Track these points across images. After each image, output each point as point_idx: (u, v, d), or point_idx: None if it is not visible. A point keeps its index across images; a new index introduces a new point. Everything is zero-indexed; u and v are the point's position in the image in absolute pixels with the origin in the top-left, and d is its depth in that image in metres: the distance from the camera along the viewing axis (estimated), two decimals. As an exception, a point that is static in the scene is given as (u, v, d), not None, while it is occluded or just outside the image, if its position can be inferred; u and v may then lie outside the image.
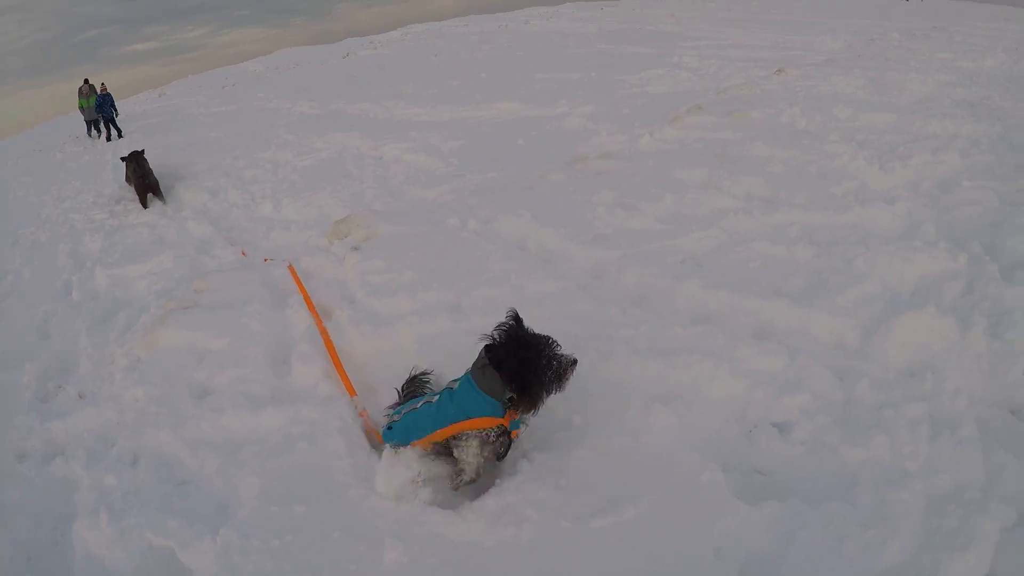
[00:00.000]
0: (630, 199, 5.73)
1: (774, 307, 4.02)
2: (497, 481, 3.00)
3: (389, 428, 3.18)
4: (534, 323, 2.86)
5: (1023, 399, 3.18)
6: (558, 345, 2.81)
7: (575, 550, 2.56)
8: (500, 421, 2.86)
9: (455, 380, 3.02)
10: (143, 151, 9.92)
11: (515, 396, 2.82)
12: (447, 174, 7.17)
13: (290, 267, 5.29)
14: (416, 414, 3.06)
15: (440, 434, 2.96)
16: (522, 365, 2.75)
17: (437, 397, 3.02)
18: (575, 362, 2.82)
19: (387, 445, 3.14)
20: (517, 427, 2.96)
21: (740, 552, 2.52)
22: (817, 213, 5.35)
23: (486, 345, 2.82)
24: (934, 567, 2.31)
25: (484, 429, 2.88)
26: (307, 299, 4.69)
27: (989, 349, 3.39)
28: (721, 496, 2.70)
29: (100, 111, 18.31)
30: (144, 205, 9.60)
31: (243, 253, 6.61)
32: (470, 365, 2.91)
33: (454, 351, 3.58)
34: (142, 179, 9.56)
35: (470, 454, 2.95)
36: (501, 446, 2.99)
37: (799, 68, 11.53)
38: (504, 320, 2.86)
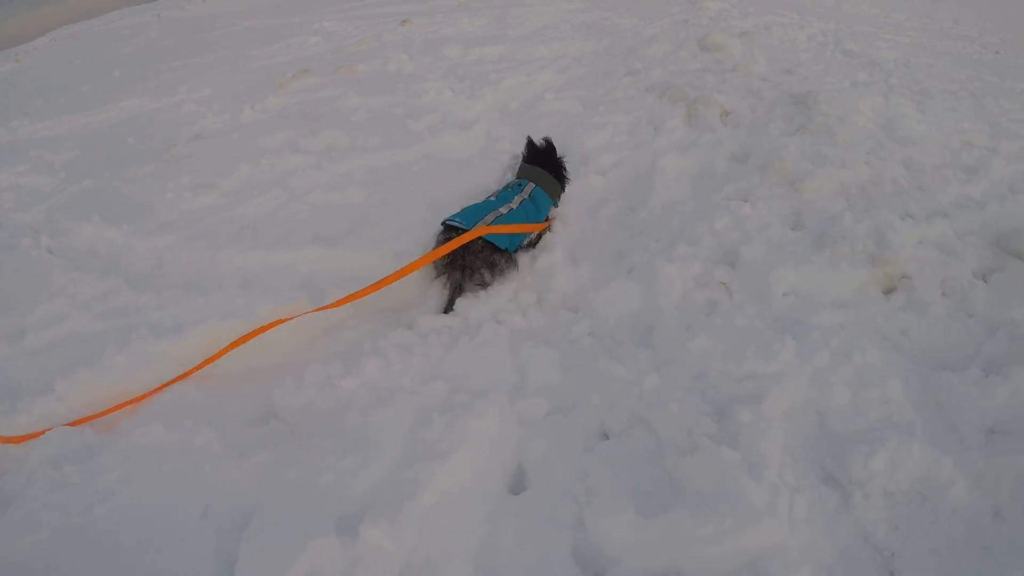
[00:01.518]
0: (206, 178, 5.48)
1: (308, 255, 4.07)
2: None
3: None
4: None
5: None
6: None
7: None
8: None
9: (514, 185, 4.04)
10: None
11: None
12: (52, 190, 6.70)
13: None
14: (493, 207, 3.78)
15: (524, 228, 3.80)
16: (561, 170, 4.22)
17: (510, 201, 3.85)
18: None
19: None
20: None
21: (232, 506, 2.44)
22: (387, 152, 5.50)
23: (547, 156, 4.24)
24: (415, 479, 2.36)
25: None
26: None
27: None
28: (213, 453, 2.66)
29: None
30: None
31: None
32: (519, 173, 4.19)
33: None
34: None
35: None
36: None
37: (426, 16, 11.87)
38: (540, 140, 4.24)
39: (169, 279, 4.17)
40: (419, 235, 3.95)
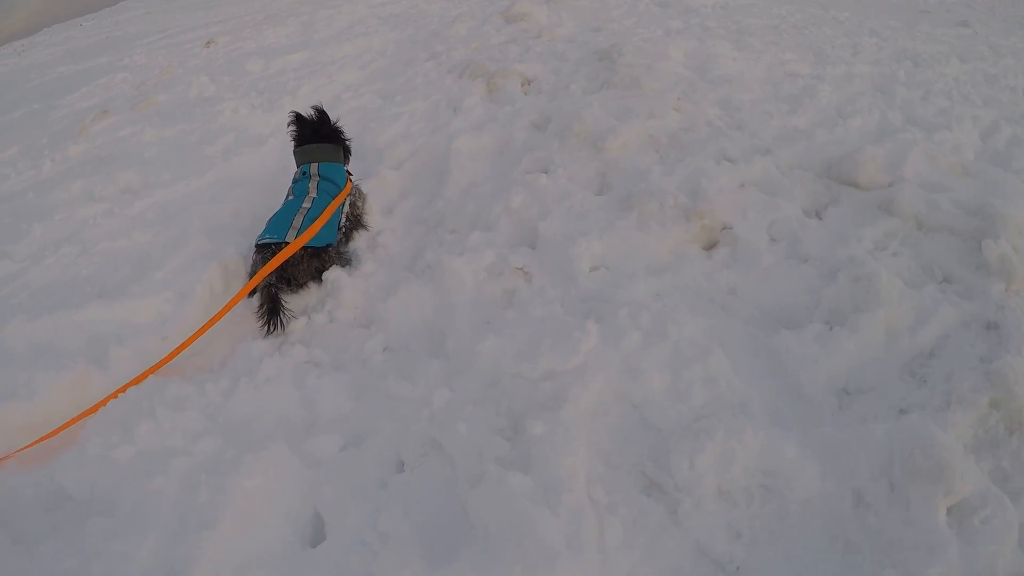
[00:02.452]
0: (2, 245, 4.84)
1: (90, 312, 3.60)
2: None
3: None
4: None
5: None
6: None
7: None
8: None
9: (300, 175, 3.84)
10: None
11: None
12: None
13: None
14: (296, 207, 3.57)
15: (331, 207, 3.58)
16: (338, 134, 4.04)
17: (307, 191, 3.69)
18: None
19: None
20: None
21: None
22: (179, 184, 5.10)
23: (319, 126, 4.00)
24: (186, 556, 2.06)
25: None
26: None
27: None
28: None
29: None
30: None
31: None
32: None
33: None
34: None
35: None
36: None
37: (232, 34, 11.17)
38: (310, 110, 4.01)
39: None
40: (200, 269, 3.68)
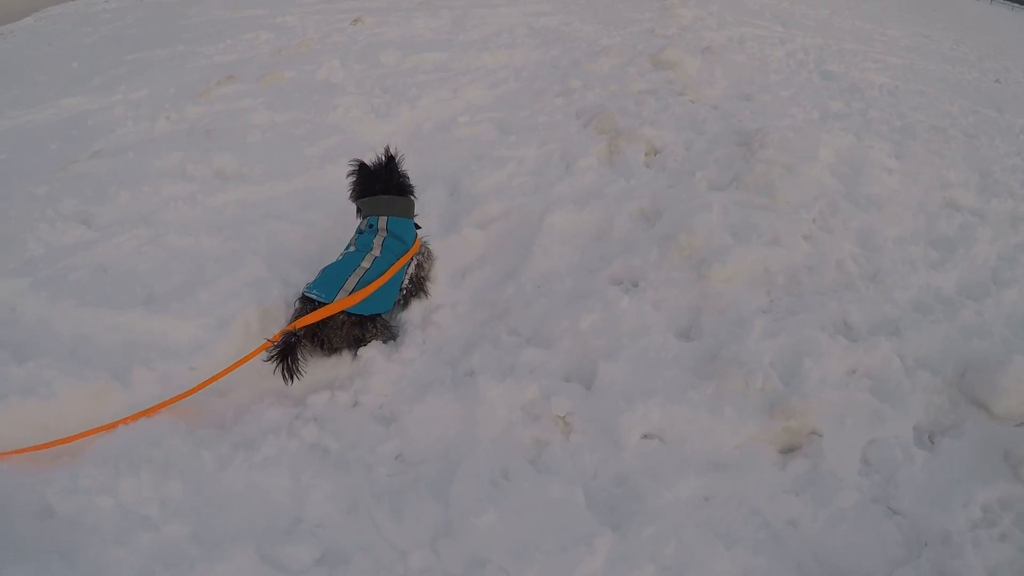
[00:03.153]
0: (86, 206, 4.89)
1: (129, 318, 3.49)
2: None
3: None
4: None
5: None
6: None
7: None
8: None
9: (368, 231, 3.41)
10: None
11: None
12: None
13: None
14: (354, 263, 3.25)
15: (392, 271, 3.26)
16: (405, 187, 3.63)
17: (370, 248, 3.32)
18: None
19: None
20: None
21: None
22: (266, 184, 4.92)
23: (388, 176, 3.54)
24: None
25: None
26: None
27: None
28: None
29: None
30: None
31: None
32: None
33: None
34: None
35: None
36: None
37: (382, 14, 11.09)
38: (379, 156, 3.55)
39: (10, 333, 3.62)
40: (246, 299, 3.48)
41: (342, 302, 3.06)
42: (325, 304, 3.06)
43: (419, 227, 3.65)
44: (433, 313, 3.46)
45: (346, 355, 3.24)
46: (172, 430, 2.89)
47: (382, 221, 3.41)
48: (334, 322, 3.09)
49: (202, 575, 2.17)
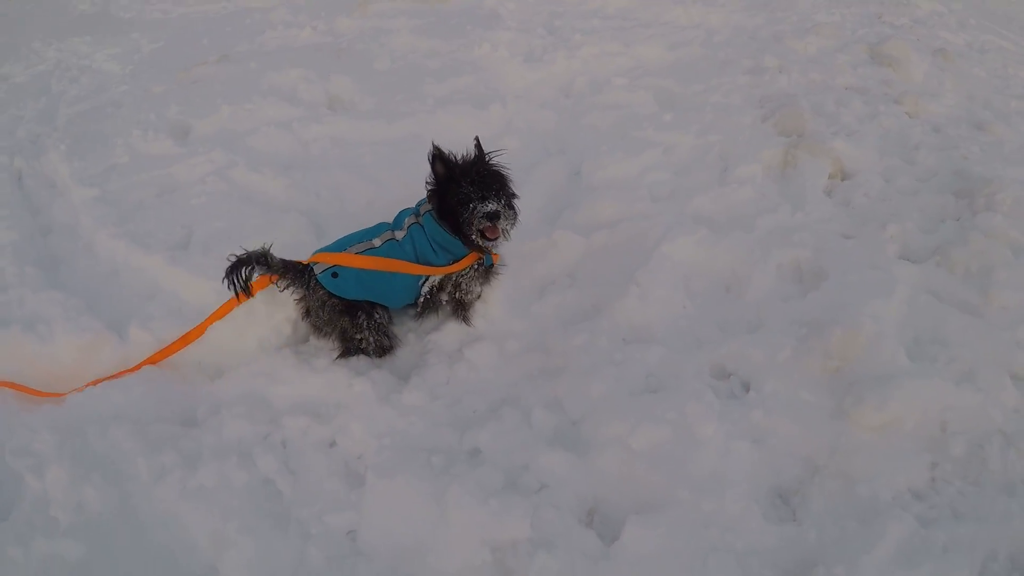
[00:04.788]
0: (186, 115, 4.66)
1: (152, 263, 3.20)
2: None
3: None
4: None
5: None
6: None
7: None
8: None
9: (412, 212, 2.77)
10: None
11: None
12: (94, 90, 6.21)
13: None
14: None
15: (404, 266, 2.66)
16: None
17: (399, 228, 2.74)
18: None
19: None
20: None
21: None
22: (368, 122, 4.34)
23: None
24: None
25: None
26: None
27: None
28: None
29: None
30: None
31: None
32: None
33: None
34: None
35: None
36: None
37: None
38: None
39: (58, 246, 3.63)
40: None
41: (319, 256, 2.63)
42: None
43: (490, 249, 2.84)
44: (472, 345, 2.67)
45: (346, 373, 2.62)
46: (136, 409, 2.55)
47: (425, 206, 2.69)
48: (317, 297, 2.65)
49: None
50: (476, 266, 2.71)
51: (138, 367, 2.68)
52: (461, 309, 2.82)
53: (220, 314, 2.70)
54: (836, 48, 5.51)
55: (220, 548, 2.05)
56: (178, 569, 2.04)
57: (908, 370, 2.20)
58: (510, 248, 2.91)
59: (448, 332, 2.78)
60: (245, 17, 7.64)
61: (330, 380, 2.58)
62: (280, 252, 2.71)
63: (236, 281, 2.58)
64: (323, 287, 2.59)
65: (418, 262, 2.61)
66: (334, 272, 2.58)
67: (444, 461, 2.18)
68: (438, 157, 2.56)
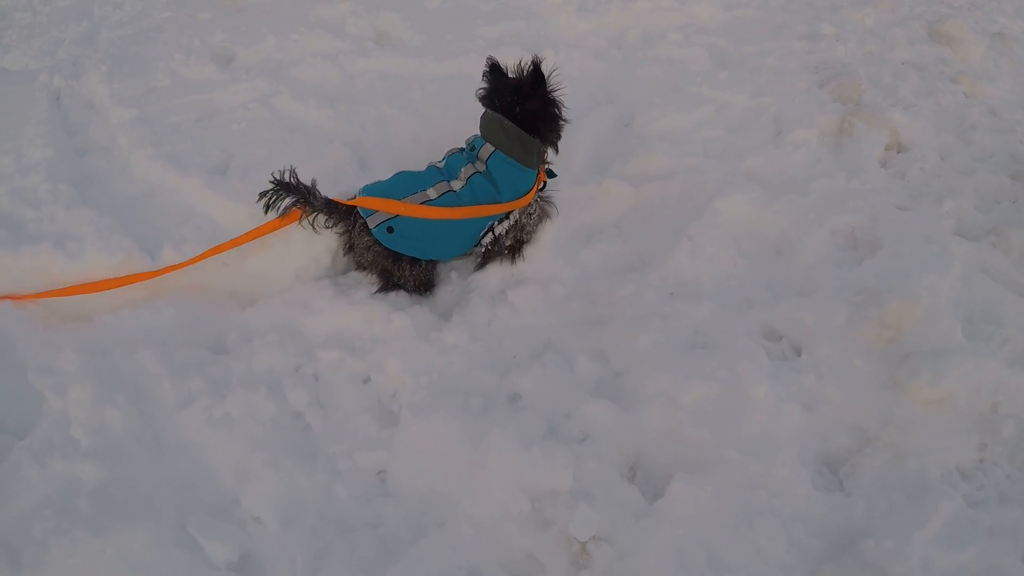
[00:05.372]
0: (231, 43, 4.58)
1: (189, 185, 3.13)
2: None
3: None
4: None
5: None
6: None
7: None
8: None
9: (468, 154, 2.66)
10: None
11: None
12: (128, 19, 6.03)
13: None
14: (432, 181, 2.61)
15: (468, 211, 2.58)
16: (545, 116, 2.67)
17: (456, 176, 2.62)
18: None
19: None
20: None
21: None
22: (416, 60, 4.23)
23: (527, 93, 2.55)
24: None
25: None
26: None
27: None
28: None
29: None
30: None
31: None
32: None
33: None
34: None
35: None
36: None
37: None
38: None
39: (94, 166, 3.52)
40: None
41: (362, 200, 2.53)
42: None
43: (553, 174, 2.79)
44: (516, 288, 2.63)
45: (385, 308, 2.57)
46: (165, 332, 2.52)
47: (486, 150, 2.57)
48: (362, 241, 2.60)
49: (89, 543, 1.81)
50: (537, 197, 2.69)
51: (135, 279, 2.66)
52: (515, 250, 2.77)
53: (256, 235, 2.65)
54: (894, 22, 5.36)
55: (243, 480, 2.05)
56: (198, 498, 2.03)
57: (963, 347, 2.16)
58: (557, 194, 2.87)
59: (491, 272, 2.75)
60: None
61: (368, 314, 2.54)
62: (323, 181, 2.67)
63: (270, 199, 2.56)
64: (369, 232, 2.54)
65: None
66: (389, 227, 2.50)
67: (483, 404, 2.17)
68: (537, 72, 2.49)
